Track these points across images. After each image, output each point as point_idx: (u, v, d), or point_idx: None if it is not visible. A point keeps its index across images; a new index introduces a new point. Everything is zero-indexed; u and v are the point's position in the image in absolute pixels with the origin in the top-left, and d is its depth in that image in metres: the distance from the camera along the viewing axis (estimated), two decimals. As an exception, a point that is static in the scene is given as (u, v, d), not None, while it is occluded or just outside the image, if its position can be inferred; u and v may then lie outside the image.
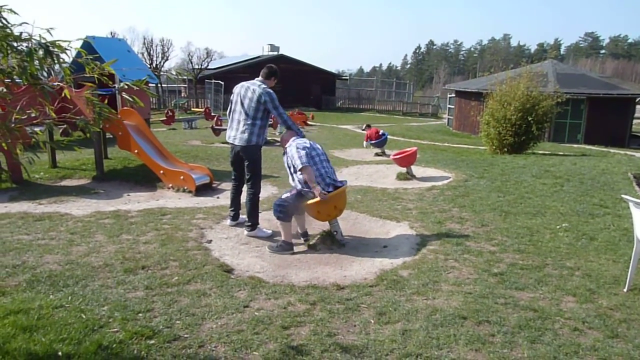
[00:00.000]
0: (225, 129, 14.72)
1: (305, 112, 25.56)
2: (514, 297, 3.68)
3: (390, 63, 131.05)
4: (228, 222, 5.64)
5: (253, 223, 5.31)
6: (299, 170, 4.83)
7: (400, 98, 42.47)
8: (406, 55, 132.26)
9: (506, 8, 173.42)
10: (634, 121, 22.51)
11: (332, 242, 4.96)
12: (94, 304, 3.39)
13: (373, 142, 12.30)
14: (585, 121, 20.84)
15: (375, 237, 5.31)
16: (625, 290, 3.87)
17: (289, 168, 5.07)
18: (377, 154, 12.03)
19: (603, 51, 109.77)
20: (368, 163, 10.73)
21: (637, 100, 22.62)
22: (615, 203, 6.55)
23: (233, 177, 5.64)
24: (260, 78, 5.36)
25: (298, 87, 36.13)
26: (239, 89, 5.38)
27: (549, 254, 4.67)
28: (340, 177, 8.58)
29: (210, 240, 5.05)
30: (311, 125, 22.79)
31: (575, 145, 19.07)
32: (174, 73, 32.49)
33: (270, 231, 5.39)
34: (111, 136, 9.32)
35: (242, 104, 5.26)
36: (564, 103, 14.53)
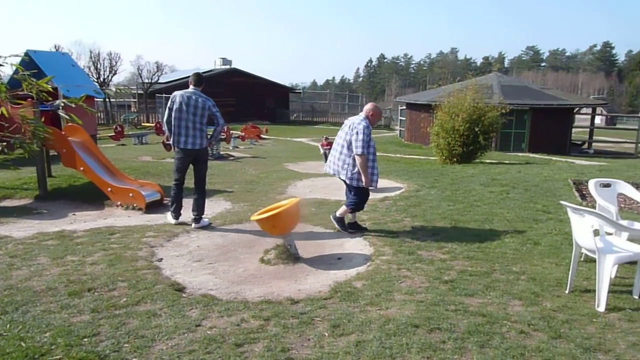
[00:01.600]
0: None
1: (260, 125, 25.47)
2: (464, 304, 3.77)
3: (343, 76, 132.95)
4: (174, 221, 6.19)
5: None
6: (358, 154, 5.44)
7: (353, 110, 43.06)
8: (358, 68, 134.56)
9: (453, 23, 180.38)
10: (573, 130, 23.73)
11: (287, 256, 4.94)
12: (35, 331, 3.22)
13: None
14: (528, 131, 21.80)
15: (330, 250, 5.33)
16: (567, 292, 4.05)
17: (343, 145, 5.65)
18: None
19: (544, 64, 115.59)
20: (322, 176, 10.78)
21: (575, 110, 23.91)
22: (557, 208, 6.87)
23: (178, 182, 6.09)
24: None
25: (252, 101, 36.01)
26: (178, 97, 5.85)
27: (496, 260, 4.83)
28: (294, 190, 8.61)
29: (161, 259, 4.92)
30: (265, 138, 22.72)
31: (520, 154, 19.89)
32: (114, 89, 31.59)
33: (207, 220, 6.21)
34: (55, 153, 8.96)
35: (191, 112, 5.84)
36: (509, 114, 15.16)
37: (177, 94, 5.84)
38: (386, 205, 7.28)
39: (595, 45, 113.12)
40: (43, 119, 6.59)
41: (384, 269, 4.57)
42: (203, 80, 6.08)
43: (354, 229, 5.89)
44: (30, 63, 7.51)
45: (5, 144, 8.59)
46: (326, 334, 3.27)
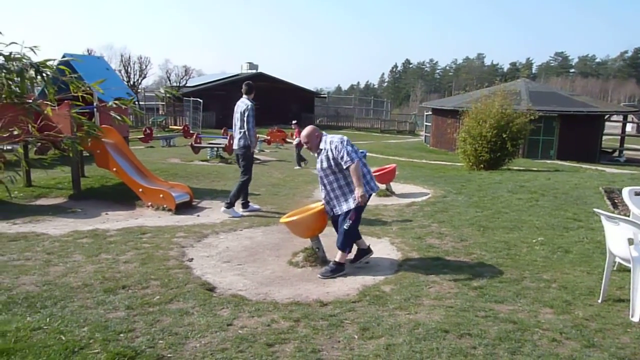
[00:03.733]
0: (205, 147, 14.63)
1: (284, 129, 25.64)
2: (493, 310, 3.75)
3: (367, 81, 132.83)
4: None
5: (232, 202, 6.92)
6: (347, 167, 4.48)
7: (378, 116, 43.01)
8: (383, 73, 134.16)
9: (479, 28, 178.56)
10: (604, 137, 23.20)
11: (315, 259, 4.98)
12: (74, 325, 3.33)
13: None
14: (557, 138, 21.41)
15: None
16: (599, 301, 3.98)
17: (330, 168, 4.63)
18: None
19: (572, 70, 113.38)
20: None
21: (605, 117, 23.39)
22: (588, 216, 6.74)
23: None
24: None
25: (277, 105, 36.27)
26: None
27: (526, 267, 4.77)
28: (320, 194, 8.66)
29: (192, 259, 5.02)
30: (291, 142, 22.85)
31: (548, 161, 19.55)
32: (162, 91, 32.15)
33: (240, 212, 6.94)
34: (88, 154, 9.21)
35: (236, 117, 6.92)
36: (537, 120, 14.93)
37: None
38: (413, 210, 7.26)
39: (626, 52, 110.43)
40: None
41: (412, 273, 4.57)
42: (251, 88, 6.88)
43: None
44: (68, 67, 7.77)
45: (40, 144, 8.88)
46: (356, 337, 3.29)
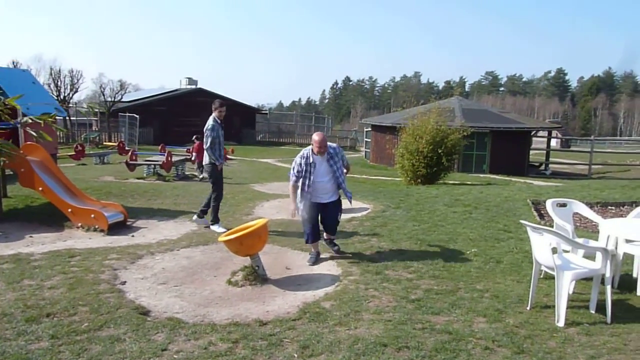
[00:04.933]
0: (141, 164, 14.19)
1: (226, 146, 25.32)
2: (430, 322, 3.83)
3: (309, 97, 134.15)
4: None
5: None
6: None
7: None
8: (324, 90, 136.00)
9: (416, 48, 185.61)
10: (531, 152, 24.62)
11: (255, 277, 4.90)
12: (-10, 359, 3.07)
13: None
14: (489, 152, 22.48)
15: (298, 270, 5.32)
16: (528, 308, 4.17)
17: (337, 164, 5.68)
18: None
19: (502, 88, 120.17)
20: (289, 196, 10.78)
21: (532, 133, 24.87)
22: (517, 228, 7.09)
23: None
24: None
25: (217, 121, 35.71)
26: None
27: (461, 278, 4.94)
28: (261, 211, 8.58)
29: (125, 282, 4.79)
30: (231, 159, 22.58)
31: (481, 175, 20.45)
32: (85, 107, 30.86)
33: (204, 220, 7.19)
34: (12, 172, 8.64)
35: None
36: (470, 136, 15.60)
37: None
38: (353, 225, 7.34)
39: (549, 72, 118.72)
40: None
41: (352, 289, 4.60)
42: (215, 107, 7.06)
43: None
44: (-12, 80, 7.30)
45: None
46: (295, 355, 3.25)
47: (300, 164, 5.53)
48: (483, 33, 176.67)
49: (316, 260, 5.59)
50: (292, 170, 5.65)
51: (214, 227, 7.03)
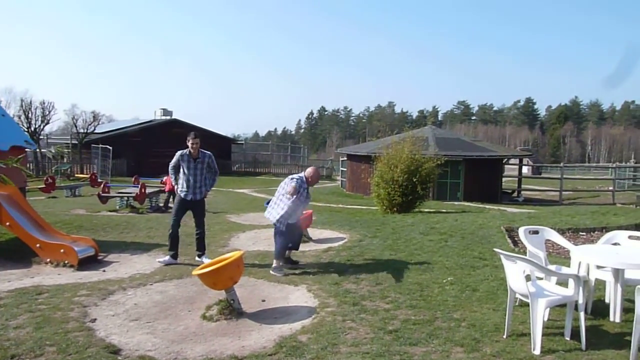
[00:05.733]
0: (113, 196, 13.92)
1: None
2: (408, 353, 3.80)
3: (285, 127, 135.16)
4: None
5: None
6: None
7: (295, 161, 43.53)
8: (300, 120, 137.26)
9: (390, 78, 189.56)
10: (503, 179, 25.15)
11: (230, 311, 4.80)
12: (-53, 407, 2.91)
13: None
14: (463, 180, 22.87)
15: (274, 303, 5.24)
16: (505, 336, 4.19)
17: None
18: None
19: (474, 117, 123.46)
20: (265, 227, 10.70)
21: (504, 160, 25.45)
22: (492, 255, 7.16)
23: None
24: None
25: (193, 152, 35.51)
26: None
27: (438, 307, 4.93)
28: (237, 243, 8.48)
29: (95, 319, 4.63)
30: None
31: (456, 203, 20.72)
32: (53, 151, 30.44)
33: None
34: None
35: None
36: (444, 164, 15.87)
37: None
38: (330, 256, 7.31)
39: (519, 101, 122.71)
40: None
41: (329, 321, 4.55)
42: (190, 137, 7.03)
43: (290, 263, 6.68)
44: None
45: None
46: (271, 392, 3.17)
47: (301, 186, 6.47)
48: (455, 62, 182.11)
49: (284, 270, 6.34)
50: (299, 189, 6.42)
51: (163, 259, 6.97)
